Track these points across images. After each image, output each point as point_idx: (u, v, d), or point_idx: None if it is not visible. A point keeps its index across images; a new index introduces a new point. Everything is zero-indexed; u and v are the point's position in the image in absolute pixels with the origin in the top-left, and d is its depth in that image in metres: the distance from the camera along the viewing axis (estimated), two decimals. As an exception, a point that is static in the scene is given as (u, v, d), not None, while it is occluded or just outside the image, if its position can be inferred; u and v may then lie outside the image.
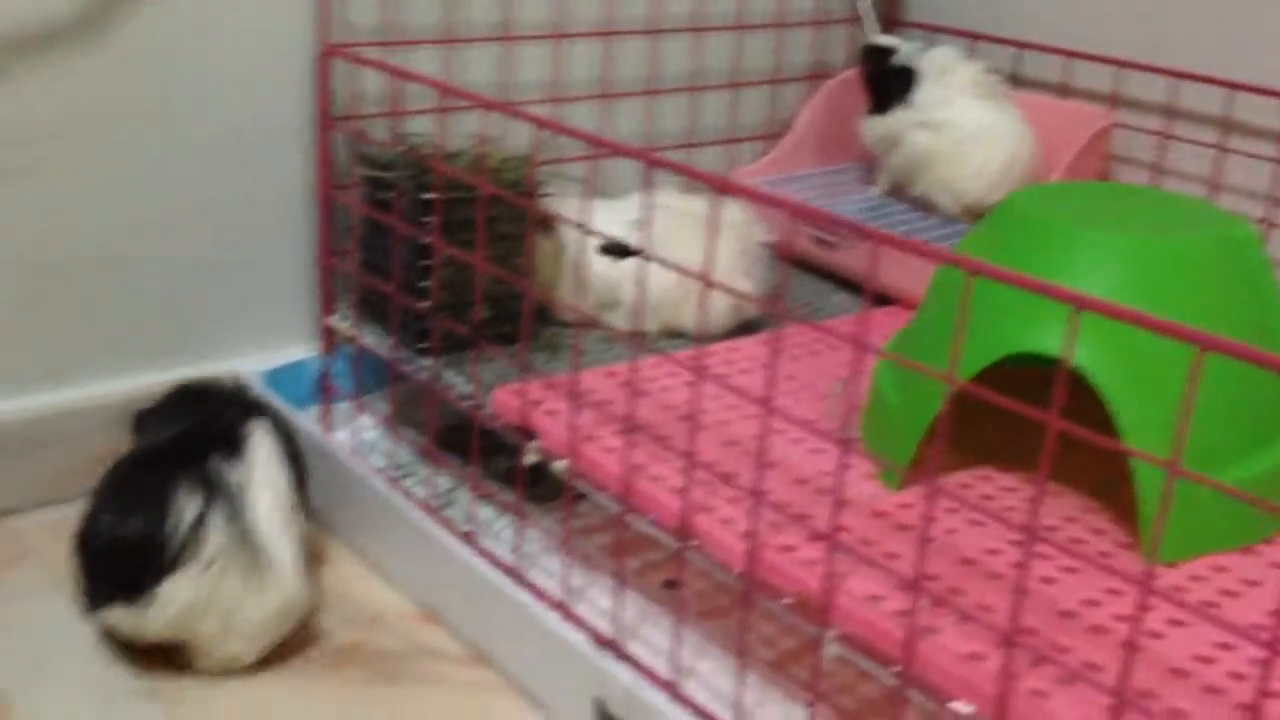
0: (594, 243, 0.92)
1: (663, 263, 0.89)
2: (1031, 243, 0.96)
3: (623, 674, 0.95)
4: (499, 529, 1.14)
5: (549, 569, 1.08)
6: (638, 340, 1.03)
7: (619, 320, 1.27)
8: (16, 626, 1.07)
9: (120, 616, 0.99)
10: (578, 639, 0.99)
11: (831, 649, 0.82)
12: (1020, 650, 0.75)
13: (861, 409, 1.08)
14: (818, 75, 1.64)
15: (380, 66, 1.16)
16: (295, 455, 1.10)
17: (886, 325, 1.31)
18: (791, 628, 1.07)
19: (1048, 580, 0.86)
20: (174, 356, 1.29)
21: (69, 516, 1.20)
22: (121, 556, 0.97)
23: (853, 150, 1.60)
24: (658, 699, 0.92)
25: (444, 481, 1.19)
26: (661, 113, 1.52)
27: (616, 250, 0.89)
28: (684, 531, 0.92)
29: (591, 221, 1.26)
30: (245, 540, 0.99)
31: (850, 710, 0.97)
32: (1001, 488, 1.00)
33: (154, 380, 1.27)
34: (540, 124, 0.96)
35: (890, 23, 1.65)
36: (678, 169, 0.86)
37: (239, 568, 0.99)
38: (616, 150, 0.88)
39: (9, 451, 1.21)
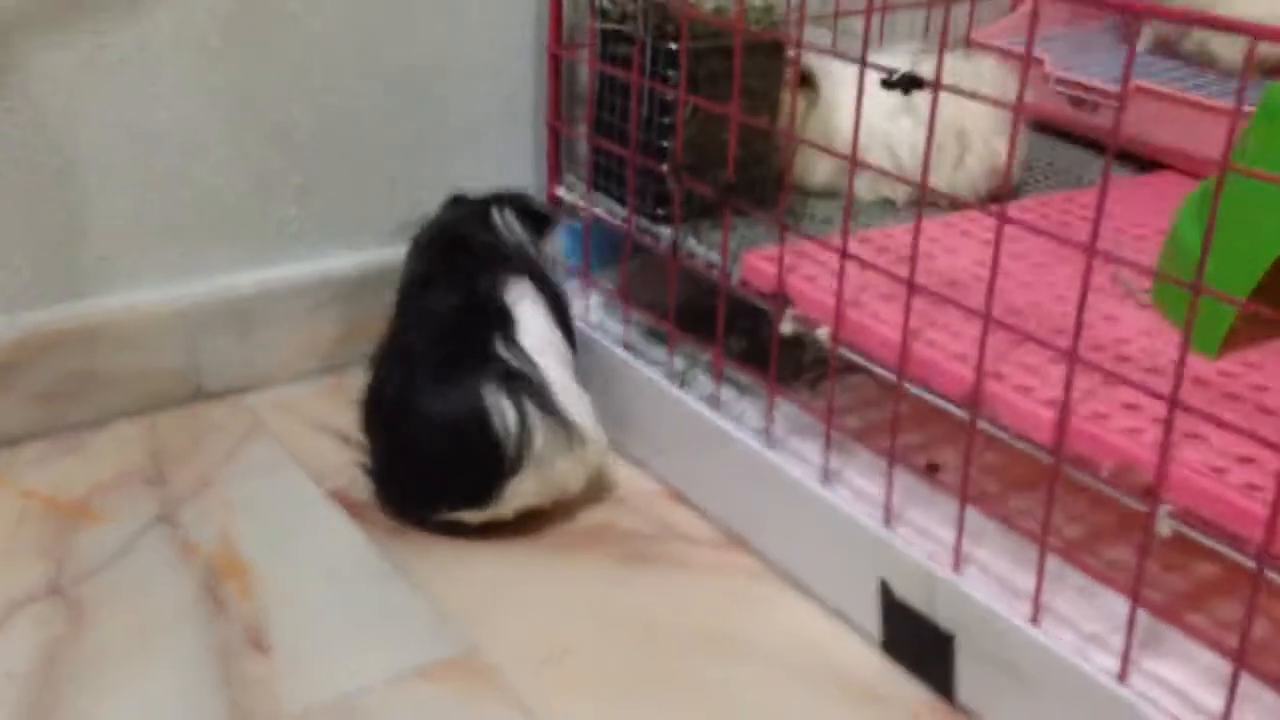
0: (876, 78, 0.83)
1: (966, 94, 0.79)
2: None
3: (913, 553, 0.87)
4: (739, 411, 1.07)
5: (798, 451, 1.01)
6: (920, 186, 0.93)
7: (861, 187, 1.17)
8: (259, 499, 1.06)
9: (465, 515, 1.00)
10: (855, 515, 0.92)
11: (1165, 526, 0.73)
12: None
13: (1159, 271, 0.96)
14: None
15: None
16: (559, 306, 1.08)
17: (1168, 191, 1.18)
18: (1078, 514, 0.97)
19: None
20: (388, 234, 1.25)
21: (297, 394, 1.21)
22: (460, 466, 0.97)
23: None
24: (961, 585, 0.84)
25: (679, 362, 1.13)
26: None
27: (905, 83, 0.80)
28: (975, 400, 0.83)
29: (849, 71, 1.17)
30: (559, 422, 0.99)
31: (1183, 592, 0.87)
32: (1336, 356, 0.87)
33: (377, 257, 1.24)
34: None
35: None
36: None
37: (560, 448, 0.99)
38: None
39: (232, 328, 1.20)
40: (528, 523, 1.03)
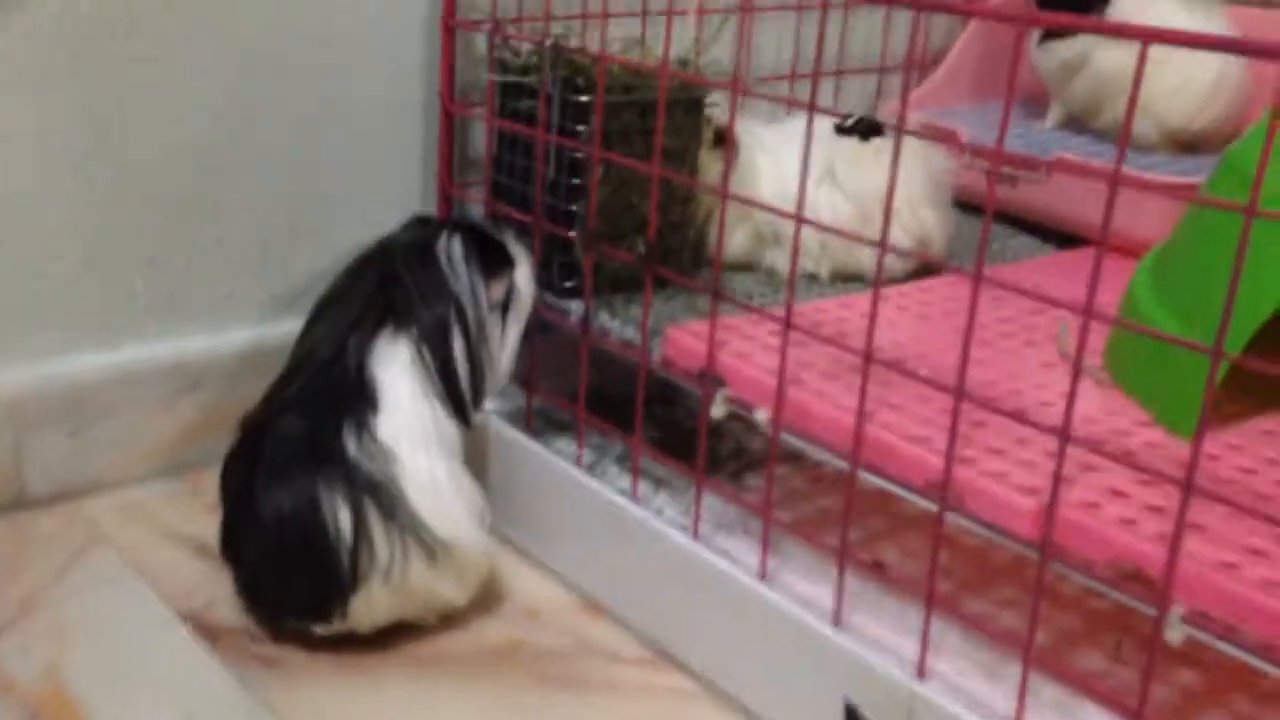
0: (831, 122, 0.75)
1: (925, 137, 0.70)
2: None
3: (889, 670, 0.76)
4: (657, 506, 0.96)
5: (724, 549, 0.89)
6: (882, 251, 0.85)
7: (783, 259, 1.08)
8: (96, 624, 0.89)
9: (313, 627, 0.88)
10: (803, 617, 0.80)
11: (1177, 631, 0.63)
12: None
13: (1112, 346, 0.89)
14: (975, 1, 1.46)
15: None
16: (448, 372, 0.90)
17: (1089, 266, 1.13)
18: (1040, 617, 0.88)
19: None
20: (257, 310, 1.11)
21: (144, 498, 1.04)
22: (295, 576, 0.86)
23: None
24: (953, 710, 0.73)
25: (589, 454, 1.01)
26: (807, 36, 1.34)
27: (863, 128, 0.71)
28: (944, 487, 0.73)
29: (765, 142, 1.09)
30: (411, 529, 0.85)
31: (1192, 688, 0.78)
32: (1314, 436, 0.81)
33: (242, 338, 1.09)
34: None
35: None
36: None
37: (416, 558, 0.85)
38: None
39: (64, 422, 1.03)
40: (418, 641, 0.89)
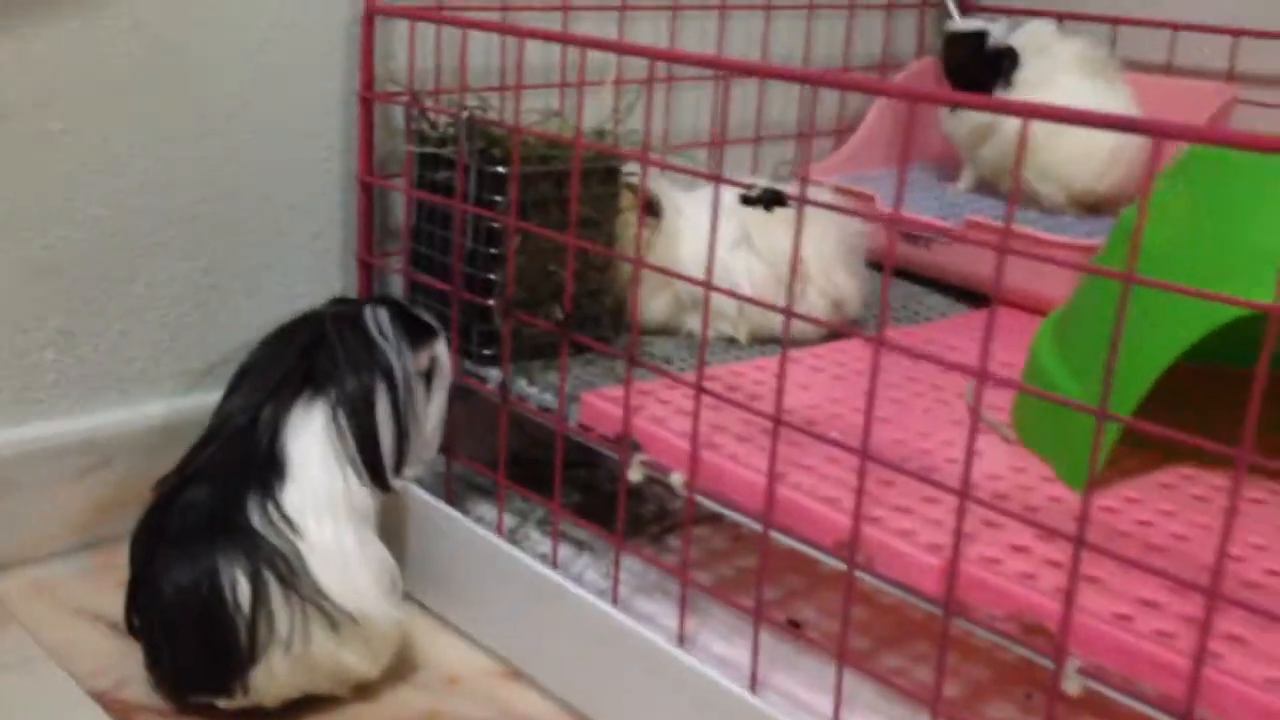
0: (734, 193, 0.76)
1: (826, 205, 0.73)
2: (1234, 184, 0.81)
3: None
4: (578, 571, 0.96)
5: (645, 613, 0.90)
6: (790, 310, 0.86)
7: (700, 324, 1.10)
8: (2, 704, 0.86)
9: (217, 701, 0.87)
10: (719, 681, 0.80)
11: (1074, 682, 0.65)
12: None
13: (1019, 404, 0.92)
14: (889, 66, 1.50)
15: (443, 20, 0.99)
16: (367, 428, 0.90)
17: (1001, 325, 1.16)
18: (950, 668, 0.89)
19: (1318, 589, 0.69)
20: (169, 385, 1.10)
21: (54, 575, 1.02)
22: (194, 648, 0.85)
23: (926, 148, 1.47)
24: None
25: (507, 520, 1.01)
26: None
27: (767, 199, 0.73)
28: (853, 547, 0.74)
29: (685, 209, 1.11)
30: (315, 596, 0.84)
31: None
32: (1212, 487, 0.83)
33: (157, 411, 1.08)
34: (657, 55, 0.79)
35: (965, 7, 1.52)
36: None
37: (320, 629, 0.84)
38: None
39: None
40: (329, 714, 0.88)
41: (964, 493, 0.67)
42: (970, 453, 0.67)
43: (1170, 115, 1.28)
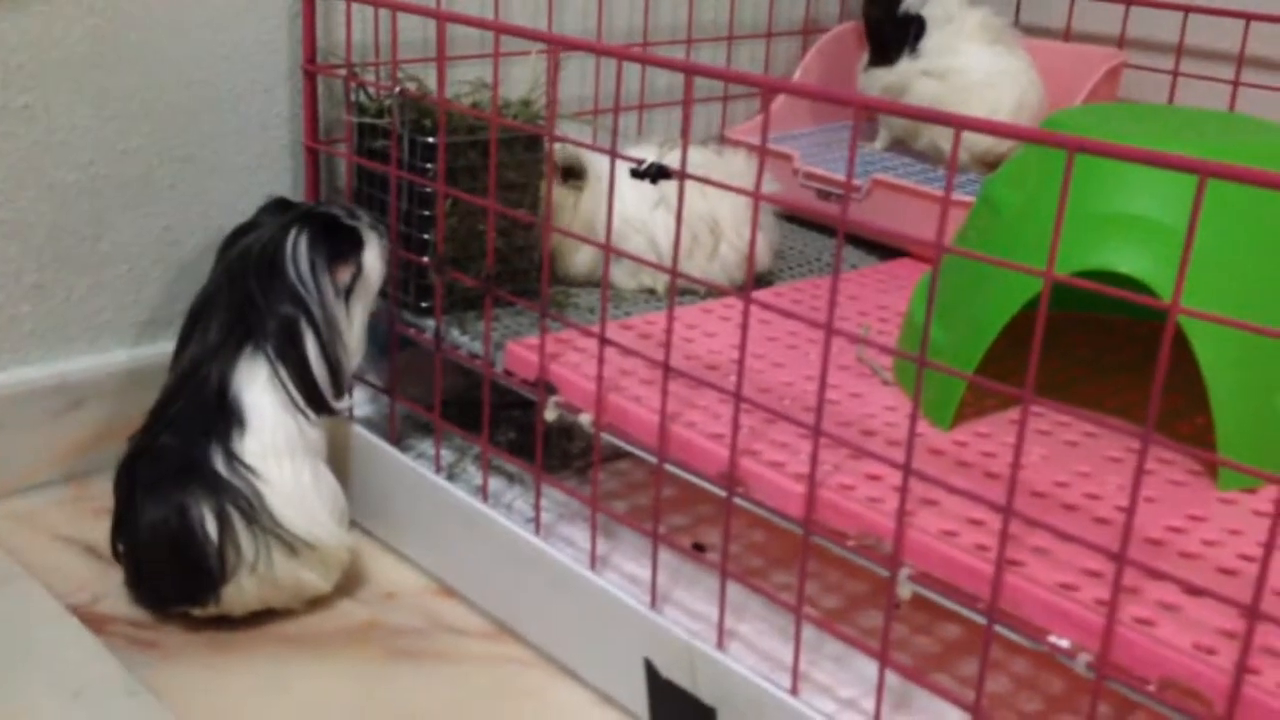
0: (625, 168, 0.86)
1: (706, 181, 0.83)
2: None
3: (676, 632, 0.88)
4: (509, 500, 1.07)
5: (567, 537, 1.01)
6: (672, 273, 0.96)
7: (623, 276, 1.21)
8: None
9: (191, 610, 0.99)
10: (621, 598, 0.92)
11: (905, 589, 0.76)
12: (1111, 577, 0.70)
13: (896, 347, 1.02)
14: (811, 30, 1.59)
15: (376, 2, 1.08)
16: (302, 374, 0.99)
17: (907, 275, 1.27)
18: (834, 585, 1.01)
19: (1122, 510, 0.81)
20: (134, 333, 1.20)
21: (34, 505, 1.13)
22: (172, 573, 0.97)
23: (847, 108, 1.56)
24: (720, 659, 0.85)
25: (447, 455, 1.12)
26: (653, 69, 1.46)
27: (653, 173, 0.83)
28: (731, 478, 0.85)
29: (606, 173, 1.21)
30: (275, 527, 0.96)
31: (931, 653, 0.91)
32: (1057, 423, 0.95)
33: (123, 358, 1.18)
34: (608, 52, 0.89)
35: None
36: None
37: (280, 554, 0.97)
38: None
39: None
40: (285, 622, 1.00)
41: (818, 429, 0.78)
42: (822, 389, 0.77)
43: (1063, 78, 1.39)
